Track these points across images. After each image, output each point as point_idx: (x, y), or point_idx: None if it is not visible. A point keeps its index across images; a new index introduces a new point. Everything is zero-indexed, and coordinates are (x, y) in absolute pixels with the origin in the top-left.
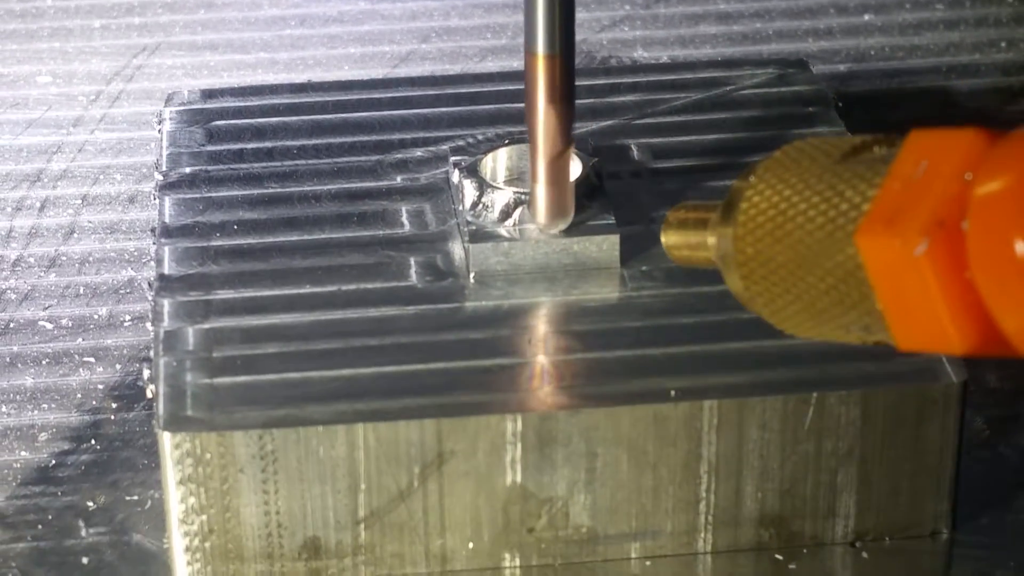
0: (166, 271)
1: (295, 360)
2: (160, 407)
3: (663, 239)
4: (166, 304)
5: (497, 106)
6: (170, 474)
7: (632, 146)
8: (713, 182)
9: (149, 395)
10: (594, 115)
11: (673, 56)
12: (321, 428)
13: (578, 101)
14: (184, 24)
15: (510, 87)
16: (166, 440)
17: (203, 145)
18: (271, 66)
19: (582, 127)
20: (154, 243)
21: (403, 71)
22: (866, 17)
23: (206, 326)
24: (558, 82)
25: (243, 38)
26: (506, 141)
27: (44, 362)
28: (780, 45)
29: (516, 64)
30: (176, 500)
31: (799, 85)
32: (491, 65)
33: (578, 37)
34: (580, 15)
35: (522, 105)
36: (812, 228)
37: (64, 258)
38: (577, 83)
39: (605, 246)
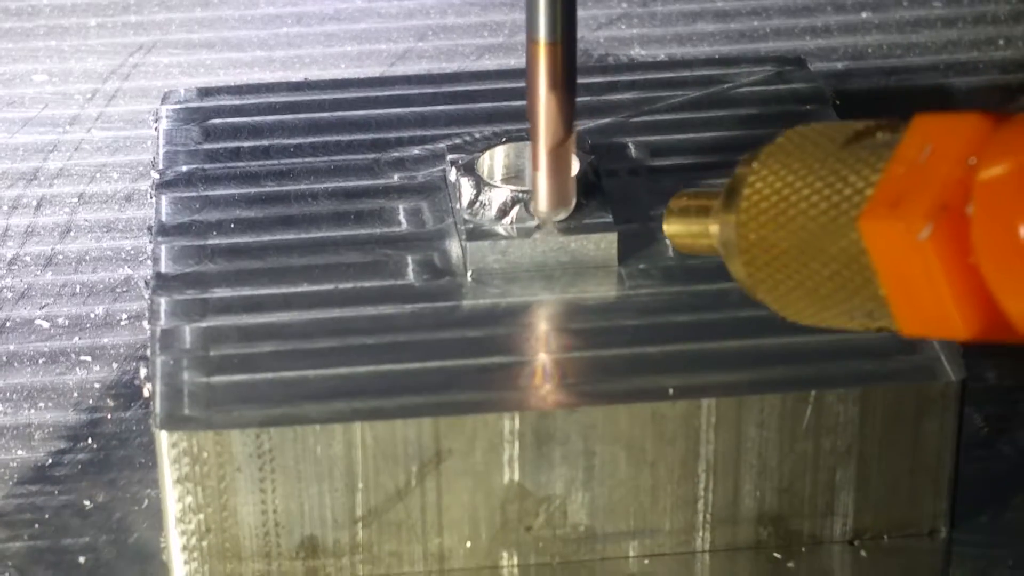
0: (163, 270)
1: (292, 359)
2: (157, 406)
3: (665, 227)
4: (163, 303)
5: (494, 104)
6: (167, 473)
7: (630, 144)
8: (711, 180)
9: (146, 394)
10: (591, 113)
11: (671, 54)
12: (319, 427)
13: (575, 99)
14: (180, 22)
15: (507, 85)
16: (163, 439)
17: (200, 143)
18: (268, 64)
19: (579, 125)
20: (151, 242)
21: (400, 69)
22: (864, 15)
23: (203, 325)
24: (559, 70)
25: (239, 36)
26: (503, 139)
27: (41, 361)
28: (778, 43)
29: (513, 62)
30: (173, 499)
31: (797, 83)
32: (488, 63)
33: None
34: (579, 12)
35: (520, 103)
36: (815, 213)
37: (60, 257)
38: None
39: (603, 244)
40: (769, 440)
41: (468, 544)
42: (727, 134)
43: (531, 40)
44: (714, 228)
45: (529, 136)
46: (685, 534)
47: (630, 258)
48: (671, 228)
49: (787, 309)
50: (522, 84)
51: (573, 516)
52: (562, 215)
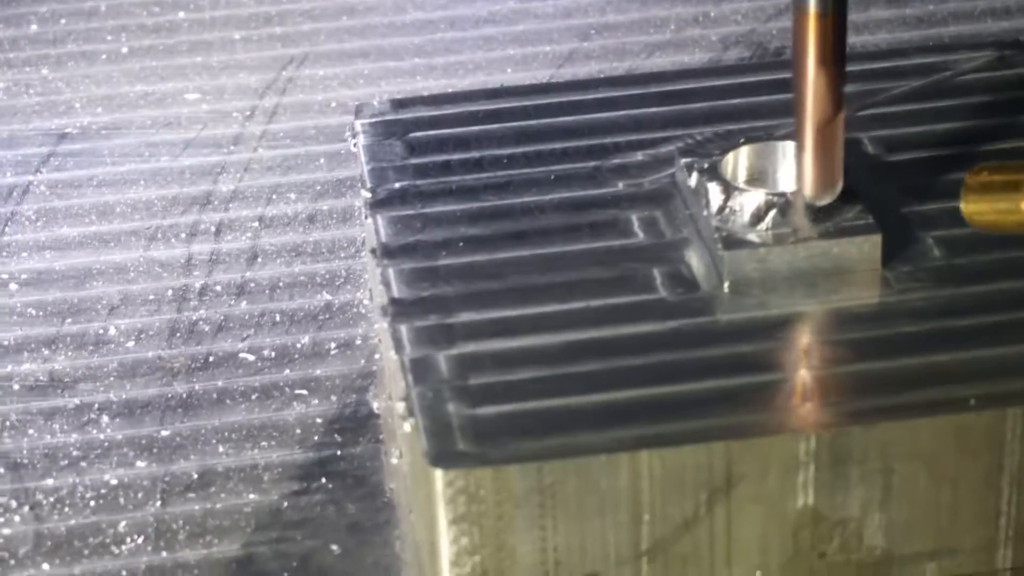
0: (396, 294)
1: (556, 384)
2: (425, 442)
3: (964, 205)
4: (404, 330)
5: (709, 104)
6: (441, 514)
7: (863, 139)
8: (956, 174)
9: (407, 429)
10: None
11: (850, 43)
12: (604, 457)
13: (789, 95)
14: (328, 32)
15: (718, 82)
16: (438, 478)
17: (406, 158)
18: (429, 72)
19: None
20: (377, 265)
21: (569, 70)
22: None
23: (454, 352)
24: (830, 43)
25: (393, 44)
26: (741, 140)
27: (254, 396)
28: (959, 27)
29: (686, 59)
30: (448, 541)
31: (1021, 67)
32: (660, 60)
33: (744, 27)
34: (743, 4)
35: (736, 101)
36: None
37: (252, 284)
38: (781, 76)
39: (867, 247)
40: None
41: (757, 574)
42: (962, 124)
43: (800, 11)
44: None
45: (793, 115)
46: (986, 552)
47: (893, 260)
48: (973, 205)
49: None
50: (733, 81)
51: (869, 539)
52: (828, 199)
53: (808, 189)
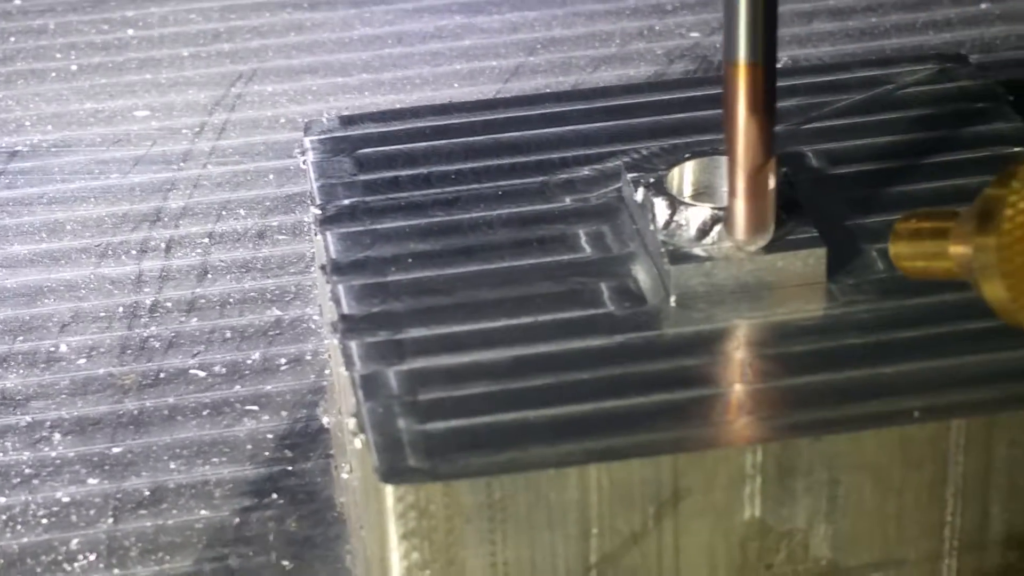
0: (346, 311)
1: (505, 399)
2: (375, 458)
3: (893, 251)
4: (354, 346)
5: (655, 118)
6: (392, 529)
7: (808, 153)
8: (899, 187)
9: (358, 445)
10: None
11: (793, 56)
12: (553, 471)
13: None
14: (276, 49)
15: (663, 97)
16: (388, 493)
17: (355, 175)
18: (377, 87)
19: None
20: (327, 282)
21: (515, 85)
22: (983, 6)
23: (404, 368)
24: (760, 91)
25: (341, 60)
26: (687, 155)
27: (205, 412)
28: (901, 39)
29: (632, 73)
30: (398, 556)
31: (963, 80)
32: (605, 75)
33: (689, 41)
34: (688, 18)
35: (681, 115)
36: None
37: (203, 301)
38: None
39: (811, 260)
40: (1019, 459)
41: None
42: (905, 137)
43: (729, 63)
44: (956, 250)
45: (727, 157)
46: (931, 563)
47: (838, 273)
48: (901, 251)
49: None
50: (679, 95)
51: (815, 550)
52: (760, 243)
53: (739, 234)
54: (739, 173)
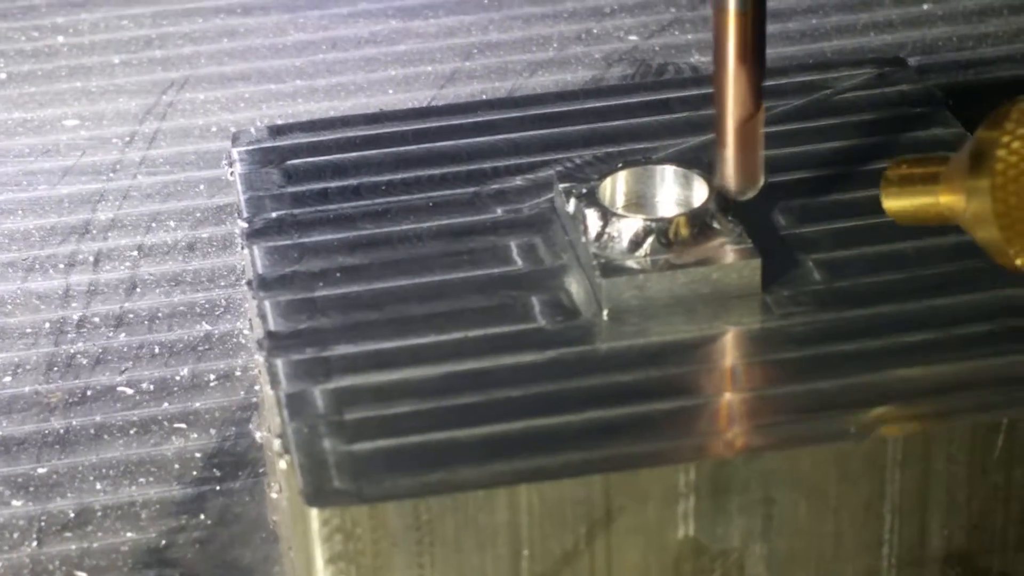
0: (272, 327)
1: (434, 418)
2: (300, 480)
3: (884, 200)
4: (280, 364)
5: (589, 126)
6: (318, 553)
7: None
8: (837, 195)
9: (283, 466)
10: (691, 129)
11: None
12: (481, 493)
13: (670, 116)
14: (209, 55)
15: (598, 104)
16: (313, 516)
17: (283, 187)
18: (311, 94)
19: (680, 143)
20: (253, 297)
21: (451, 91)
22: (925, 7)
23: (331, 386)
24: (750, 40)
25: (274, 66)
26: (620, 164)
27: (132, 431)
28: (841, 41)
29: (569, 77)
30: None
31: (903, 84)
32: (543, 79)
33: (627, 44)
34: (626, 21)
35: (616, 123)
36: None
37: (131, 316)
38: (662, 96)
39: (746, 272)
40: (957, 474)
41: None
42: (845, 143)
43: (720, 10)
44: (946, 197)
45: (715, 111)
46: None
47: (773, 284)
48: (892, 199)
49: None
50: (615, 103)
51: (751, 569)
52: (750, 194)
53: (731, 185)
54: (728, 123)
